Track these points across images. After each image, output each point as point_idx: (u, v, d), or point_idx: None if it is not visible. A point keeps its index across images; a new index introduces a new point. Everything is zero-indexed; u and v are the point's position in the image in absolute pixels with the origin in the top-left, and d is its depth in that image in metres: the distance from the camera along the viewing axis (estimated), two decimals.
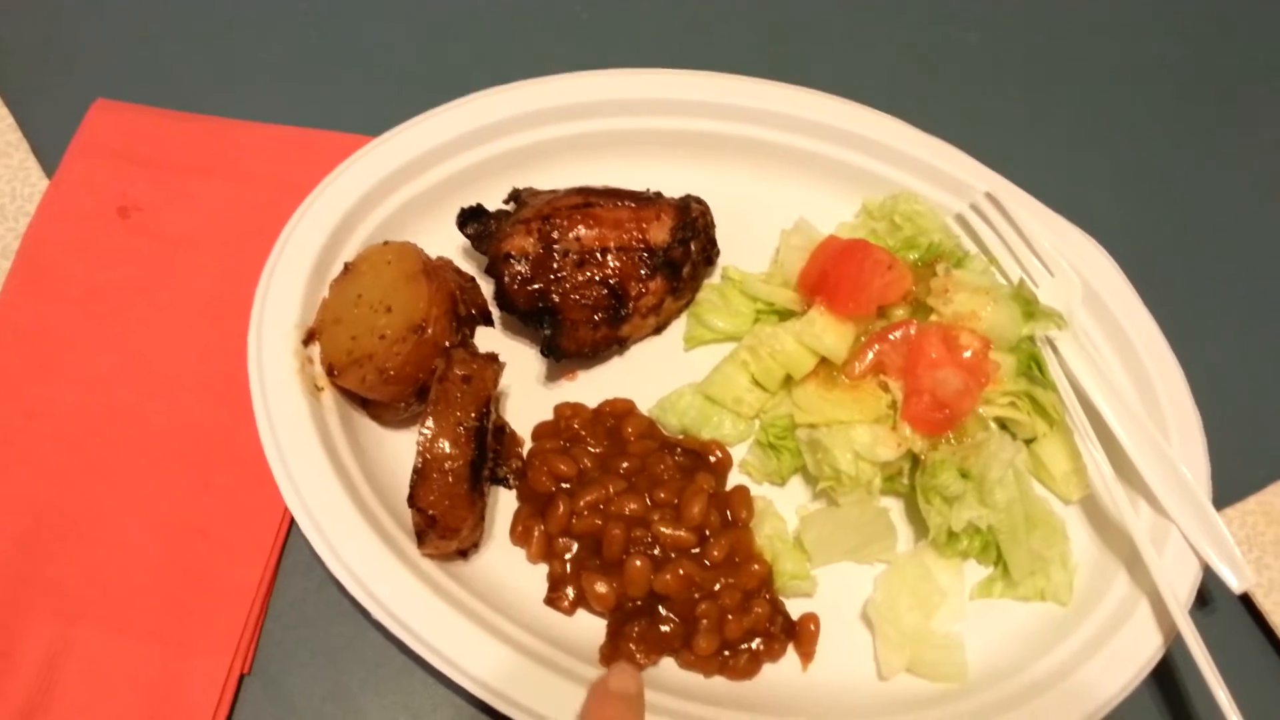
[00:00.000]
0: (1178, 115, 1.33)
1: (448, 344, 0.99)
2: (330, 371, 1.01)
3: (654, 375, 1.09)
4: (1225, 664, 0.91)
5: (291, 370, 1.01)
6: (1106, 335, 1.10)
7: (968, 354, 1.01)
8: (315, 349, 1.04)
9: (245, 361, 1.02)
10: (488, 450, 0.96)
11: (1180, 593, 0.96)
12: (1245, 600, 1.03)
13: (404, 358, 0.97)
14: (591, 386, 1.09)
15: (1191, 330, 1.10)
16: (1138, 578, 0.99)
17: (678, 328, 1.13)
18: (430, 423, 0.93)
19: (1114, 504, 1.00)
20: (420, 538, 0.94)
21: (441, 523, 0.92)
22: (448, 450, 0.92)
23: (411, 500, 0.92)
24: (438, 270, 1.03)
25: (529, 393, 1.09)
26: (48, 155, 1.18)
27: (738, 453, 1.07)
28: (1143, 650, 0.95)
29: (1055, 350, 1.07)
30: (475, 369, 0.96)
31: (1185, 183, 1.28)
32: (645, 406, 1.08)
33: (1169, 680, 0.99)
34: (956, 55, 1.36)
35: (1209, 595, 1.03)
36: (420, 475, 0.92)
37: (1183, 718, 0.98)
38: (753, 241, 1.15)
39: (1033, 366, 1.04)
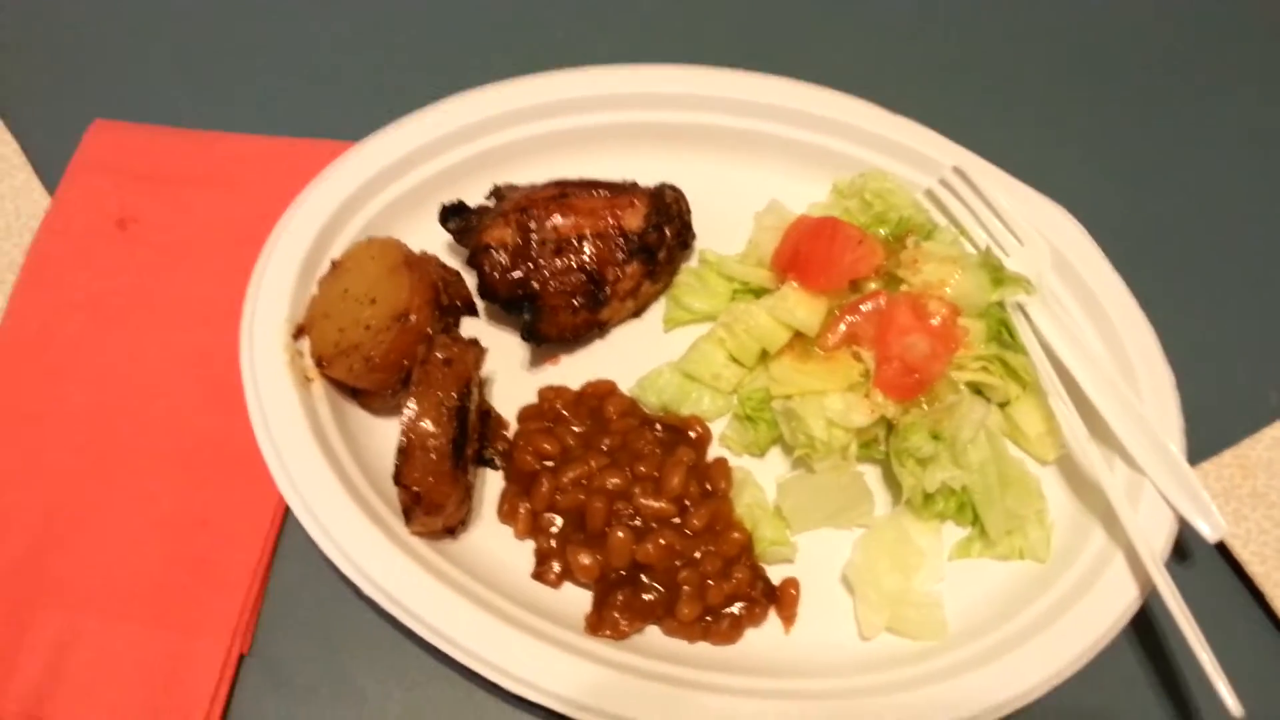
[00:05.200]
0: (1144, 83, 1.35)
1: (430, 331, 1.03)
2: (319, 363, 1.04)
3: (634, 356, 1.12)
4: (1205, 614, 0.93)
5: (282, 364, 1.05)
6: (1078, 299, 1.11)
7: (936, 320, 1.04)
8: (305, 343, 1.08)
9: (239, 359, 1.06)
10: (470, 430, 0.99)
11: (1155, 545, 0.97)
12: (1224, 552, 1.04)
13: (388, 345, 1.01)
14: (574, 370, 1.12)
15: (1167, 294, 1.11)
16: (1114, 533, 1.00)
17: (657, 310, 1.16)
18: (413, 403, 0.96)
19: (1088, 462, 1.01)
20: (407, 515, 0.97)
21: (426, 499, 0.95)
22: (430, 429, 0.95)
23: (397, 478, 0.95)
24: (420, 262, 1.07)
25: (514, 379, 1.12)
26: (49, 174, 1.23)
27: (717, 427, 1.09)
28: (1119, 602, 0.96)
29: (1026, 315, 1.08)
30: (456, 352, 0.99)
31: (1152, 149, 1.30)
32: (626, 386, 1.10)
33: (1150, 633, 1.01)
34: (924, 34, 1.39)
35: (1189, 549, 1.05)
36: (404, 454, 0.95)
37: (1163, 668, 1.00)
38: (728, 225, 1.18)
39: (1003, 331, 1.06)
